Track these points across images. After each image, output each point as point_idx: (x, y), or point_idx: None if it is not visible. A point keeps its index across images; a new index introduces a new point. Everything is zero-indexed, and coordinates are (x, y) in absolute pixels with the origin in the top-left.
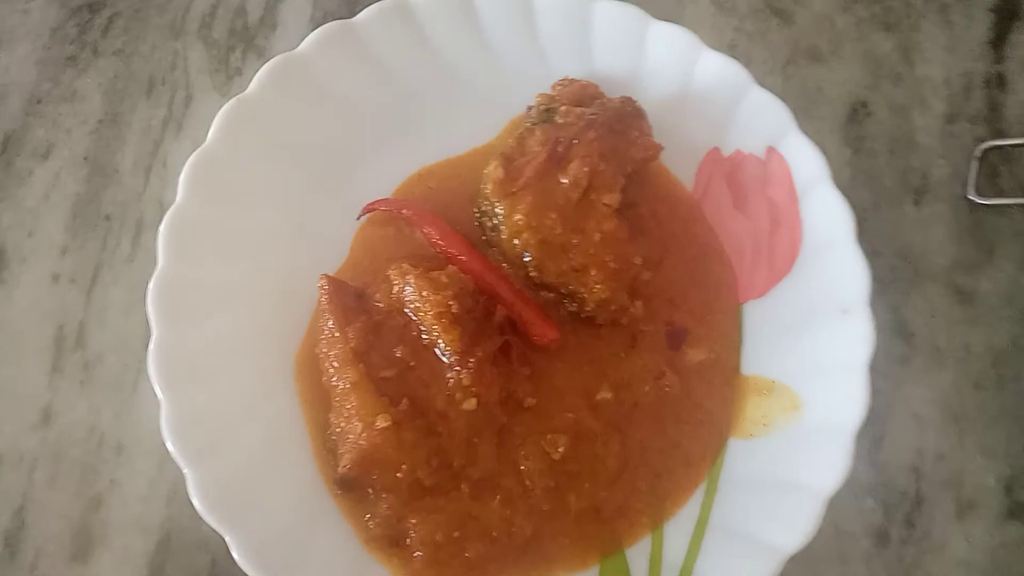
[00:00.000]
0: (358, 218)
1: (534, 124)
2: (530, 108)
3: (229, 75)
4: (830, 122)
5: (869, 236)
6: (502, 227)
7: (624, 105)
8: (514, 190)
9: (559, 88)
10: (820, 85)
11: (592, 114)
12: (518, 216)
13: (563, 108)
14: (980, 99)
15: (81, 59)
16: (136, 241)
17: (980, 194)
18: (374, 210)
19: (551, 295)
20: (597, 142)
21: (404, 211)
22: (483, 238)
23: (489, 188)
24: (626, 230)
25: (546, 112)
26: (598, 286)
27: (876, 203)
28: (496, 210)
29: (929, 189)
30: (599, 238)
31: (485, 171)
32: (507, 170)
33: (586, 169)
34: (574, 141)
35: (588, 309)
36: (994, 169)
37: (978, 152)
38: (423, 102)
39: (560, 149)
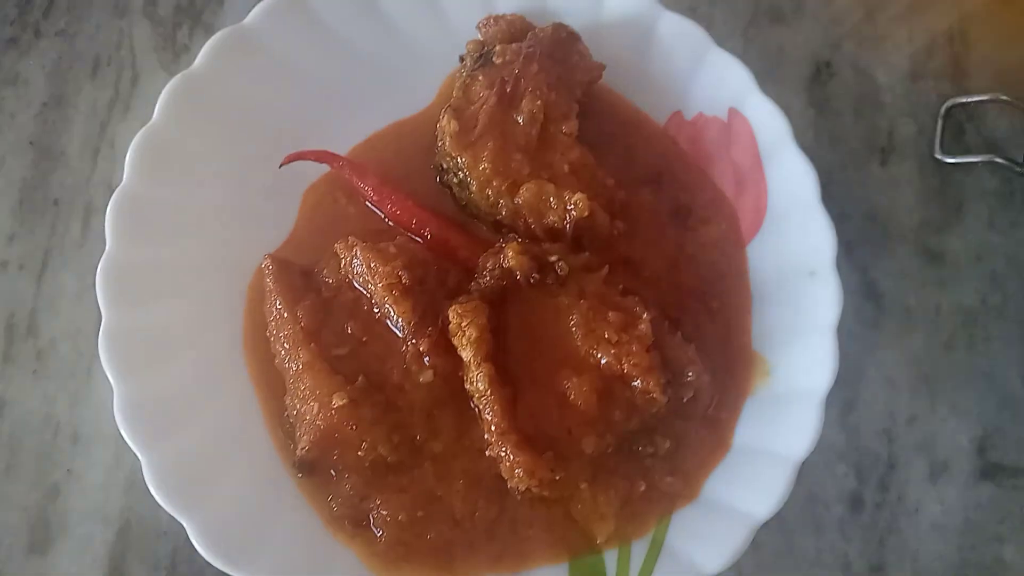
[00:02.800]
0: (280, 166)
1: (474, 70)
2: (463, 58)
3: (176, 52)
4: (794, 83)
5: (836, 198)
6: (470, 180)
7: (557, 31)
8: (472, 139)
9: (487, 29)
10: (782, 46)
11: (529, 47)
12: (483, 165)
13: (498, 48)
14: (943, 56)
15: (23, 41)
16: (86, 225)
17: (946, 152)
18: (299, 159)
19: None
20: (542, 73)
21: (338, 164)
22: (453, 198)
23: (447, 143)
24: (591, 155)
25: (481, 57)
26: (574, 210)
27: (842, 164)
28: (459, 164)
29: (895, 149)
30: (567, 168)
31: (439, 126)
32: (460, 121)
33: (539, 102)
34: (519, 78)
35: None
36: (959, 127)
37: (943, 110)
38: (372, 69)
39: (508, 89)
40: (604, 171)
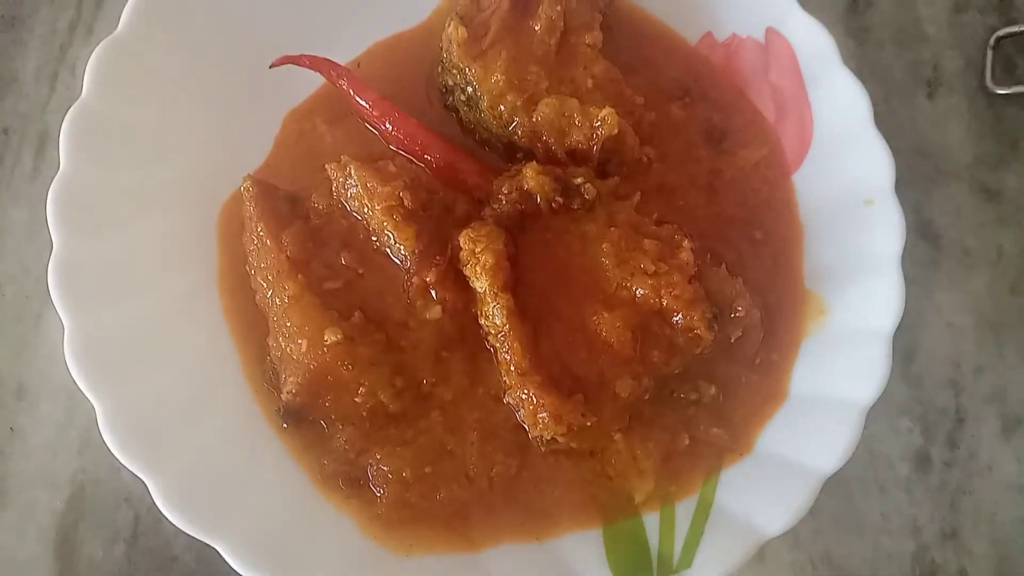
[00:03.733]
0: (271, 66)
1: None
2: None
3: None
4: (829, 13)
5: (882, 132)
6: (480, 95)
7: None
8: (483, 48)
9: None
10: None
11: None
12: (496, 76)
13: None
14: None
15: None
16: (40, 155)
17: (998, 84)
18: (291, 63)
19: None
20: None
21: (334, 74)
22: (460, 124)
23: (454, 53)
24: (617, 70)
25: None
26: (603, 126)
27: (887, 97)
28: (468, 76)
29: (942, 81)
30: (591, 83)
31: (444, 34)
32: (469, 28)
33: (559, 8)
34: None
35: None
36: (1009, 59)
37: (992, 41)
38: None
39: None
40: (631, 88)
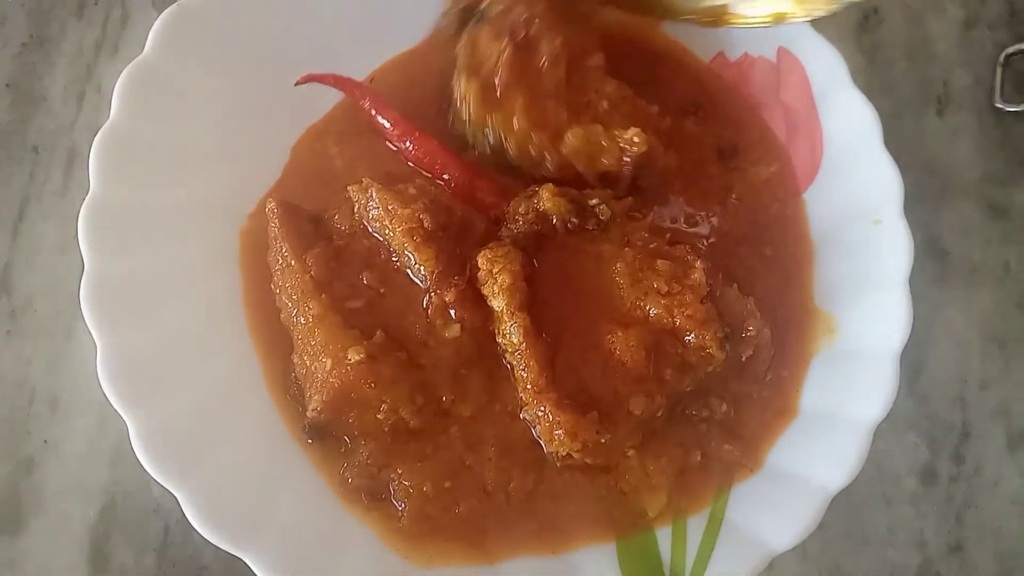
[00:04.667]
0: (297, 83)
1: (475, 27)
2: (443, 15)
3: None
4: (840, 29)
5: (891, 149)
6: (508, 142)
7: None
8: (498, 97)
9: None
10: None
11: None
12: (518, 123)
13: (489, 3)
14: (998, 3)
15: None
16: (68, 173)
17: (1007, 101)
18: (316, 81)
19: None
20: (551, 8)
21: (356, 92)
22: (497, 164)
23: (472, 109)
24: (626, 85)
25: (476, 14)
26: (633, 146)
27: (896, 114)
28: (490, 128)
29: (952, 98)
30: (607, 105)
31: (456, 94)
32: (480, 81)
33: (558, 40)
34: (530, 19)
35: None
36: (1019, 76)
37: (1002, 58)
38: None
39: (522, 34)
40: (643, 99)
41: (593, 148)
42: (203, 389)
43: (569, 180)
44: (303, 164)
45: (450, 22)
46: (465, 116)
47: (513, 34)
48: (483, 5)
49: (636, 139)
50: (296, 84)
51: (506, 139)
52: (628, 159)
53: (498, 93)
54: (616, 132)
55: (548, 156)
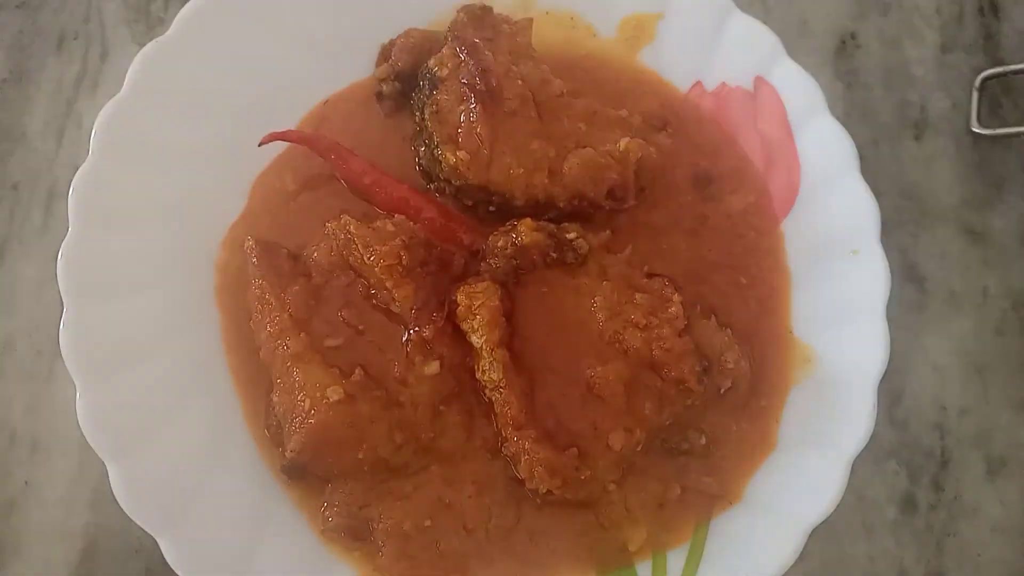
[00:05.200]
0: (259, 145)
1: (428, 96)
2: (380, 95)
3: (150, 25)
4: (818, 56)
5: (869, 175)
6: (515, 194)
7: (471, 12)
8: (487, 157)
9: (399, 58)
10: (805, 17)
11: (462, 42)
12: (515, 172)
13: (432, 63)
14: (974, 27)
15: None
16: (48, 211)
17: (984, 125)
18: (280, 139)
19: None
20: (498, 53)
21: (321, 147)
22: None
23: (469, 177)
24: (593, 100)
25: (426, 82)
26: (631, 153)
27: (874, 140)
28: (493, 189)
29: (929, 123)
30: (583, 126)
31: (443, 167)
32: (465, 147)
33: (519, 81)
34: (485, 71)
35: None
36: (995, 100)
37: (978, 82)
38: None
39: (483, 87)
40: (610, 107)
41: (594, 170)
42: (183, 432)
43: (581, 207)
44: (264, 199)
45: (390, 93)
46: (456, 184)
47: (475, 91)
48: (424, 71)
49: (631, 147)
50: (260, 144)
51: (509, 194)
52: (628, 169)
53: (485, 153)
54: (608, 147)
55: (555, 193)
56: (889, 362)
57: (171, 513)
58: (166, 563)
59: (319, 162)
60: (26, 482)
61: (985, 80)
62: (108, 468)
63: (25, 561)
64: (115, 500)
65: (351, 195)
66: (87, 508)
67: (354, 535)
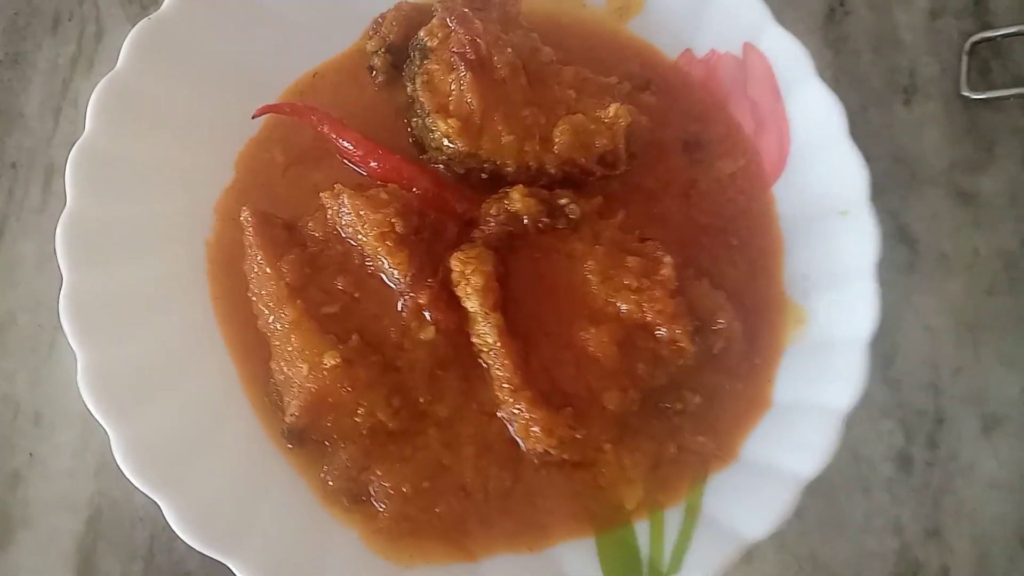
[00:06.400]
0: (252, 117)
1: (422, 66)
2: (373, 68)
3: (144, 5)
4: (807, 22)
5: (860, 140)
6: (507, 162)
7: None
8: (478, 124)
9: (390, 31)
10: None
11: (452, 11)
12: (506, 139)
13: (423, 34)
14: None
15: None
16: (47, 188)
17: (973, 89)
18: (271, 112)
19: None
20: (487, 23)
21: (314, 119)
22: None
23: (460, 144)
24: (582, 68)
25: (417, 52)
26: (620, 119)
27: (864, 105)
28: (484, 155)
29: (919, 88)
30: (573, 93)
31: (434, 136)
32: (456, 115)
33: (508, 49)
34: (474, 40)
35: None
36: (985, 64)
37: (967, 46)
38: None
39: (473, 56)
40: (600, 74)
41: (585, 136)
42: (183, 398)
43: (573, 174)
44: (251, 170)
45: (382, 65)
46: (448, 152)
47: (464, 59)
48: (415, 42)
49: (620, 113)
50: (253, 117)
51: (500, 161)
52: (618, 134)
53: (476, 121)
54: (598, 114)
55: (546, 160)
56: (882, 323)
57: (172, 476)
58: (170, 531)
59: (308, 134)
60: (30, 454)
61: (975, 44)
62: (108, 432)
63: (32, 531)
64: (119, 470)
65: (342, 167)
66: (91, 478)
67: (354, 498)
